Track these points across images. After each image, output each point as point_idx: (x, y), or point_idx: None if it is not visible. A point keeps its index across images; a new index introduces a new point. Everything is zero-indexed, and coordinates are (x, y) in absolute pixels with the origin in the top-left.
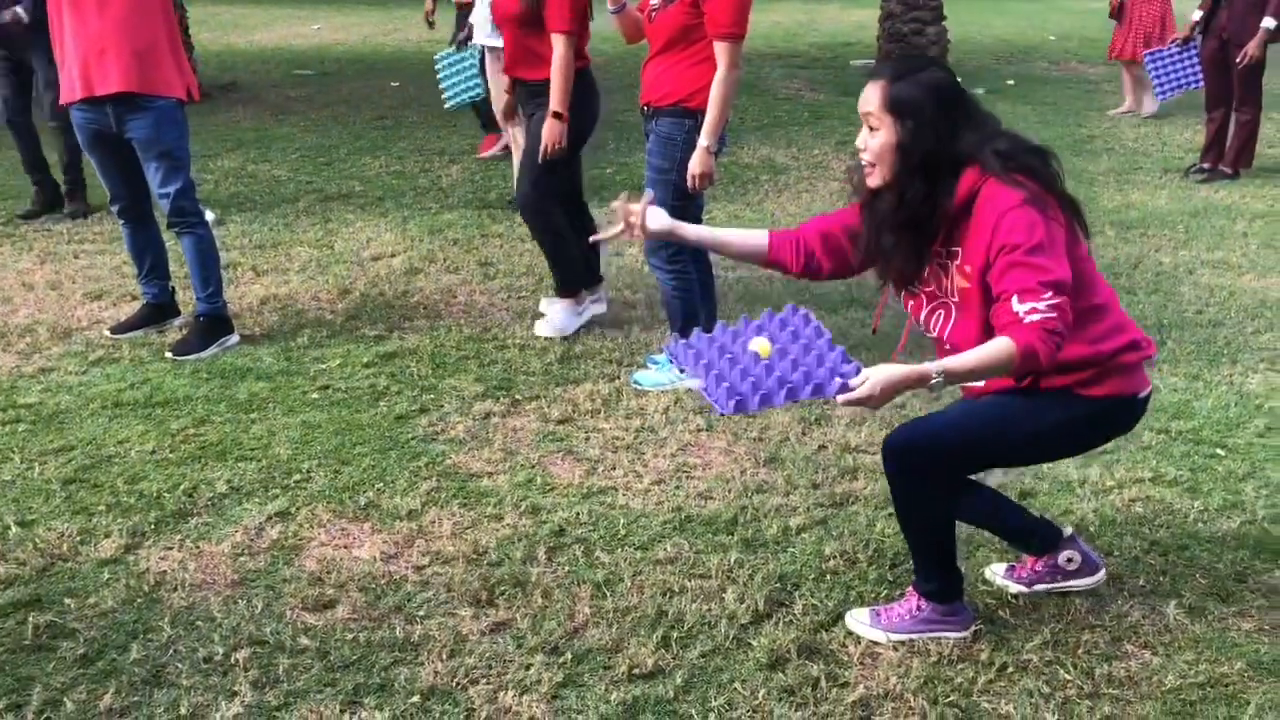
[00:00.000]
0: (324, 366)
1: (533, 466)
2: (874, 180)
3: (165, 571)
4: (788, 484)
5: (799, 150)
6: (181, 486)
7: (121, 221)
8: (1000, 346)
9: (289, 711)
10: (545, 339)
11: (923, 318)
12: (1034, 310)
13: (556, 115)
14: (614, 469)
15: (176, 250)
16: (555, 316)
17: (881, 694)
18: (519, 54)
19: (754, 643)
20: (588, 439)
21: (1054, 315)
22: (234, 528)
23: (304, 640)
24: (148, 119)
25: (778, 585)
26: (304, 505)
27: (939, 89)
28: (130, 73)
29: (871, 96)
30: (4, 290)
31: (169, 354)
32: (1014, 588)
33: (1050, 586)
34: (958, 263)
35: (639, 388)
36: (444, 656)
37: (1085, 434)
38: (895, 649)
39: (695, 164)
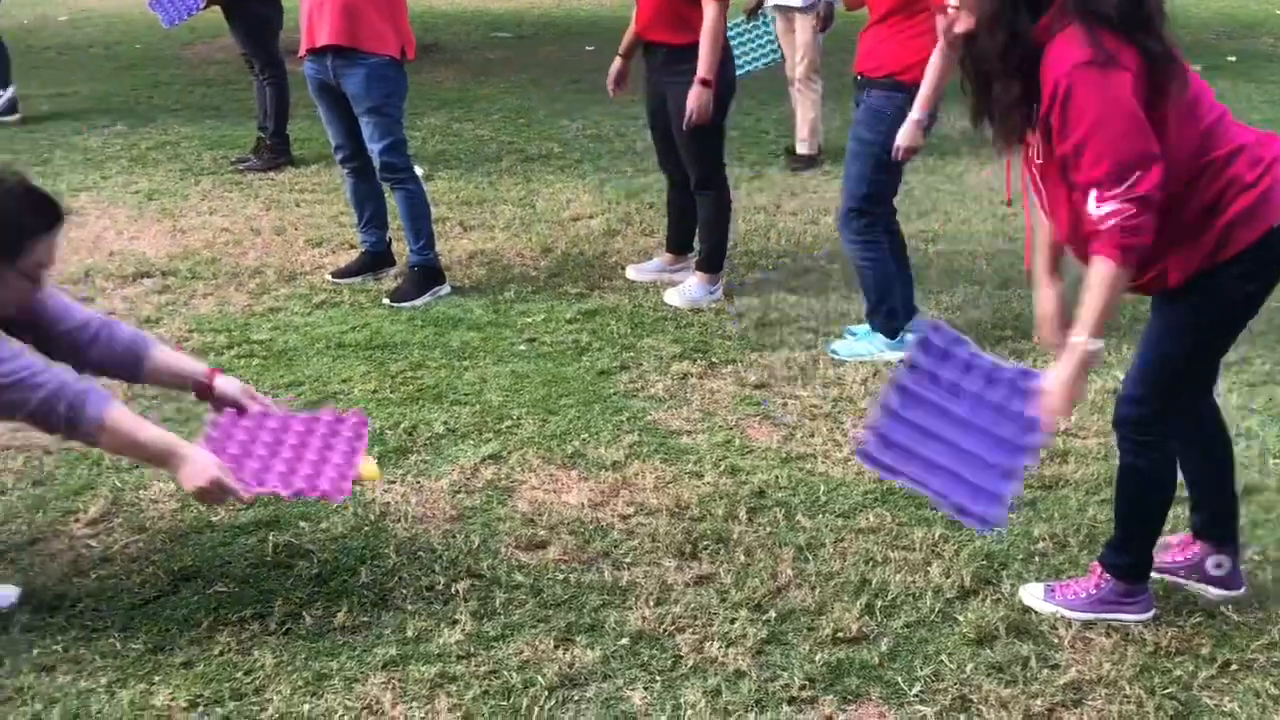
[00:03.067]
0: (530, 320)
1: (730, 428)
2: (961, 25)
3: (389, 503)
4: None
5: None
6: (402, 425)
7: (344, 171)
8: (1103, 275)
9: (506, 643)
10: (676, 308)
11: (1035, 185)
12: (1111, 214)
13: (705, 83)
14: (812, 436)
15: (394, 202)
16: (690, 288)
17: (1095, 679)
18: (665, 16)
19: (960, 618)
20: (785, 405)
21: (1131, 208)
22: (451, 466)
23: (518, 576)
24: (359, 74)
25: (984, 563)
26: (515, 450)
27: None
28: (342, 27)
29: None
30: (234, 234)
31: (386, 300)
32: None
33: (1179, 578)
34: (1037, 118)
35: (836, 357)
36: (651, 603)
37: (1254, 294)
38: (1108, 635)
39: (903, 136)
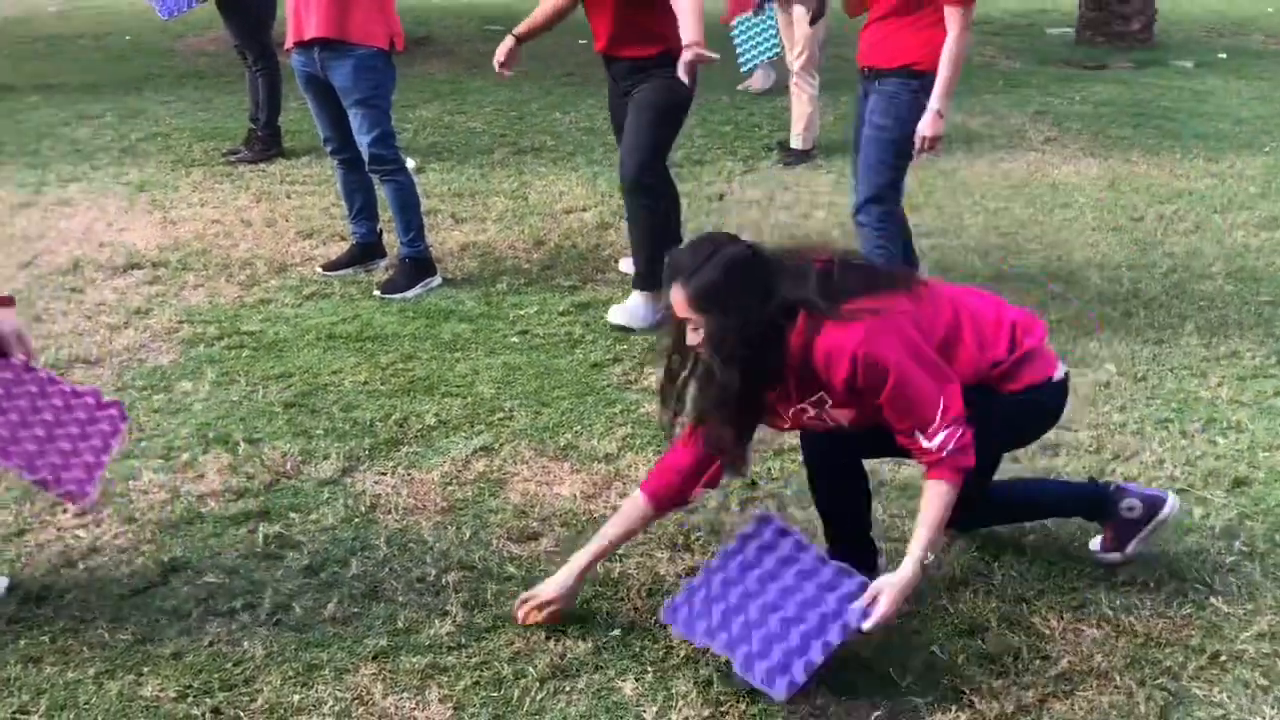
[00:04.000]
0: (522, 313)
1: None
2: (692, 339)
3: (380, 495)
4: None
5: (994, 118)
6: (393, 416)
7: (334, 163)
8: (944, 496)
9: (496, 634)
10: (621, 326)
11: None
12: (944, 441)
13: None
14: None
15: (384, 194)
16: (633, 304)
17: (1086, 670)
18: (624, 31)
19: (951, 609)
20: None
21: (958, 431)
22: (442, 458)
23: (510, 568)
24: (347, 66)
25: (975, 555)
26: (507, 442)
27: (732, 264)
28: (330, 19)
29: (678, 300)
30: (225, 226)
31: (377, 292)
32: (1113, 557)
33: (1138, 540)
34: (829, 406)
35: None
36: (643, 595)
37: (1022, 424)
38: (1099, 625)
39: (926, 126)
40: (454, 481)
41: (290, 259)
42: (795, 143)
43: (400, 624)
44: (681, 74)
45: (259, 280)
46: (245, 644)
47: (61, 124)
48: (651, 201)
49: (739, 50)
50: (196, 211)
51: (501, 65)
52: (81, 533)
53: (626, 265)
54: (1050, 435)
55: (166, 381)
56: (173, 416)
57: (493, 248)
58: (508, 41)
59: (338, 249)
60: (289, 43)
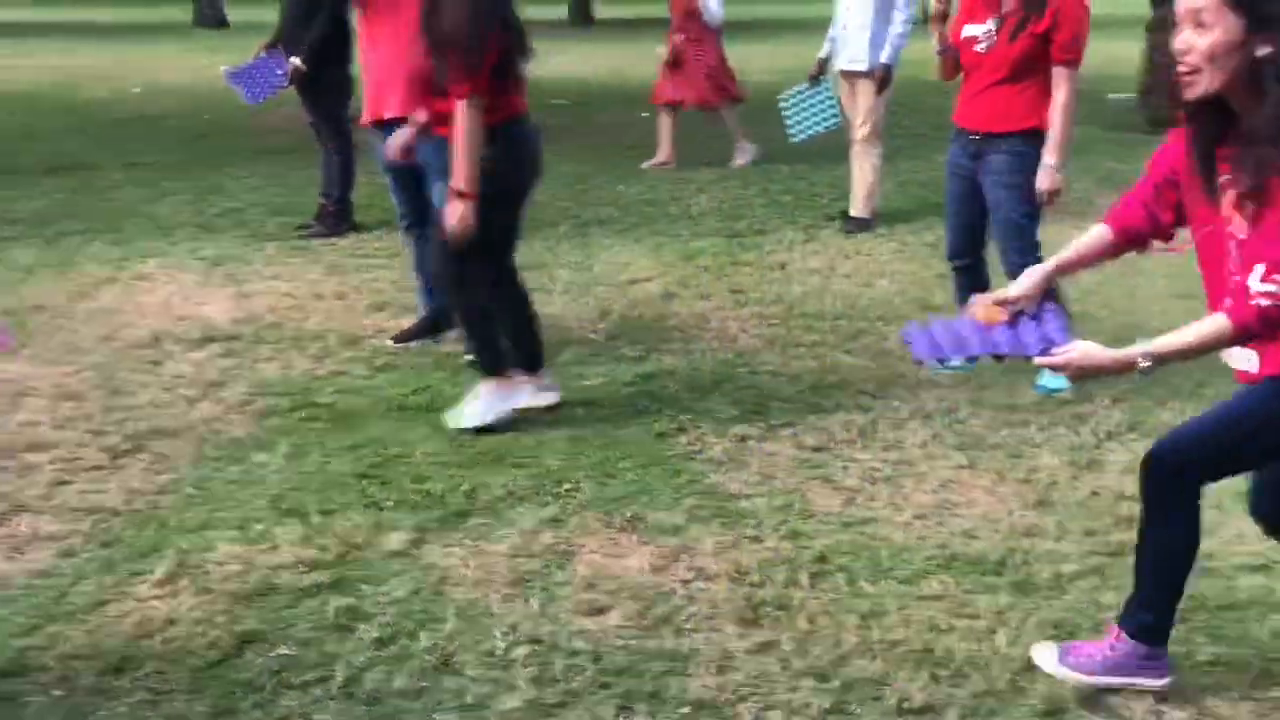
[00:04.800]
0: (588, 383)
1: (790, 492)
2: (1195, 90)
3: (449, 567)
4: (1059, 529)
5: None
6: (462, 488)
7: (408, 238)
8: (1216, 325)
9: (566, 710)
10: (472, 426)
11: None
12: (1265, 294)
13: (461, 194)
14: (873, 500)
15: None
16: (478, 399)
17: None
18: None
19: (1029, 689)
20: (845, 468)
21: None
22: (510, 530)
23: (578, 643)
24: (430, 144)
25: (1053, 632)
26: (574, 513)
27: None
28: (410, 98)
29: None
30: (298, 299)
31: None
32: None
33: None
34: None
35: (1044, 391)
36: (712, 671)
37: None
38: (1181, 707)
39: (1044, 181)
40: (522, 554)
41: (361, 331)
42: (856, 211)
43: (469, 699)
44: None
45: (331, 352)
46: (318, 717)
47: (144, 201)
48: (464, 303)
49: (790, 121)
50: (270, 285)
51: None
52: (159, 604)
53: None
54: (1124, 508)
55: (242, 453)
56: (248, 488)
57: (560, 319)
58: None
59: (408, 321)
60: (367, 119)
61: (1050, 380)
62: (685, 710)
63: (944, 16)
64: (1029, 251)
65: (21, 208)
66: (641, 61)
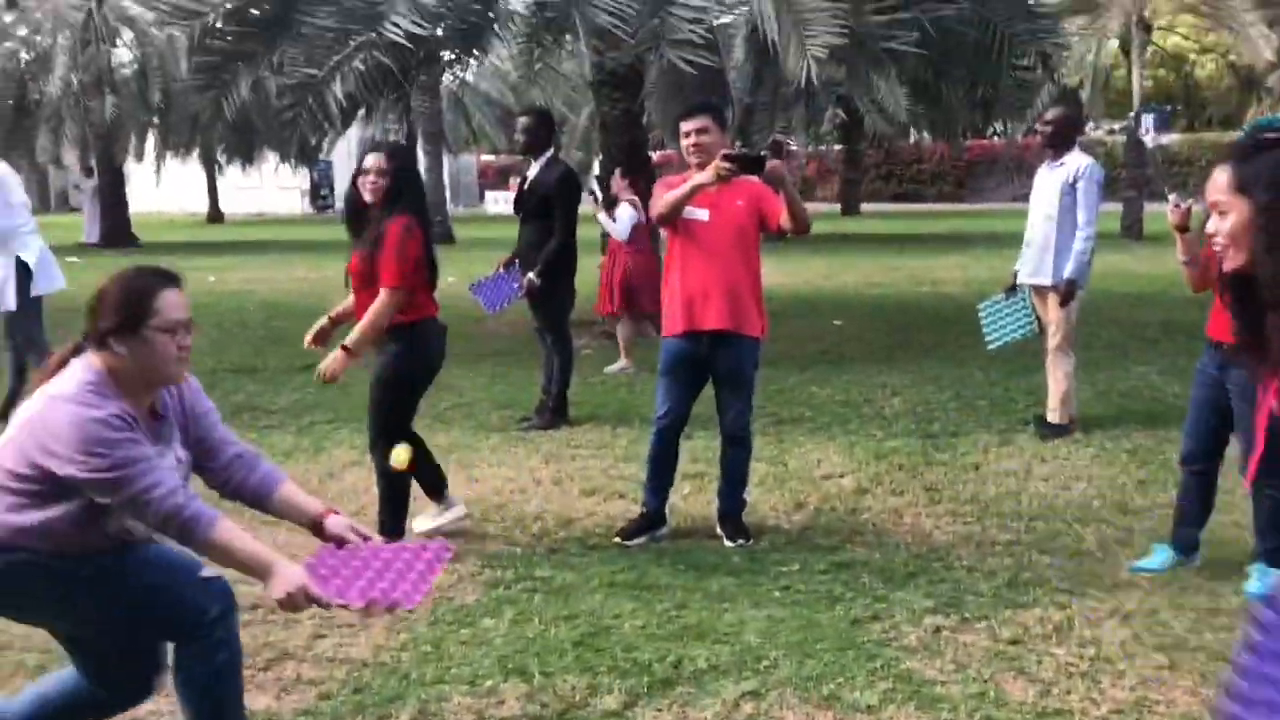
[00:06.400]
0: (784, 569)
1: (985, 681)
2: (1230, 263)
3: None
4: None
5: None
6: (668, 658)
7: (659, 437)
8: None
9: None
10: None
11: None
12: None
13: (349, 352)
14: (1069, 693)
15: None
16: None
17: None
18: (368, 303)
19: None
20: (1040, 662)
21: None
22: (713, 699)
23: None
24: (733, 352)
25: None
26: (773, 688)
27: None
28: (726, 313)
29: (1219, 180)
30: (519, 484)
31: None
32: None
33: None
34: None
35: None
36: None
37: None
38: None
39: None
40: None
41: (575, 514)
42: (1053, 417)
43: None
44: (325, 364)
45: (549, 532)
46: None
47: None
48: (379, 462)
49: (987, 329)
50: (495, 471)
51: (311, 343)
52: None
53: (420, 523)
54: None
55: (472, 618)
56: (477, 648)
57: (755, 509)
58: (322, 321)
59: (617, 505)
60: (674, 330)
61: (1257, 584)
62: None
63: (1183, 228)
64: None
65: (277, 401)
66: (829, 274)
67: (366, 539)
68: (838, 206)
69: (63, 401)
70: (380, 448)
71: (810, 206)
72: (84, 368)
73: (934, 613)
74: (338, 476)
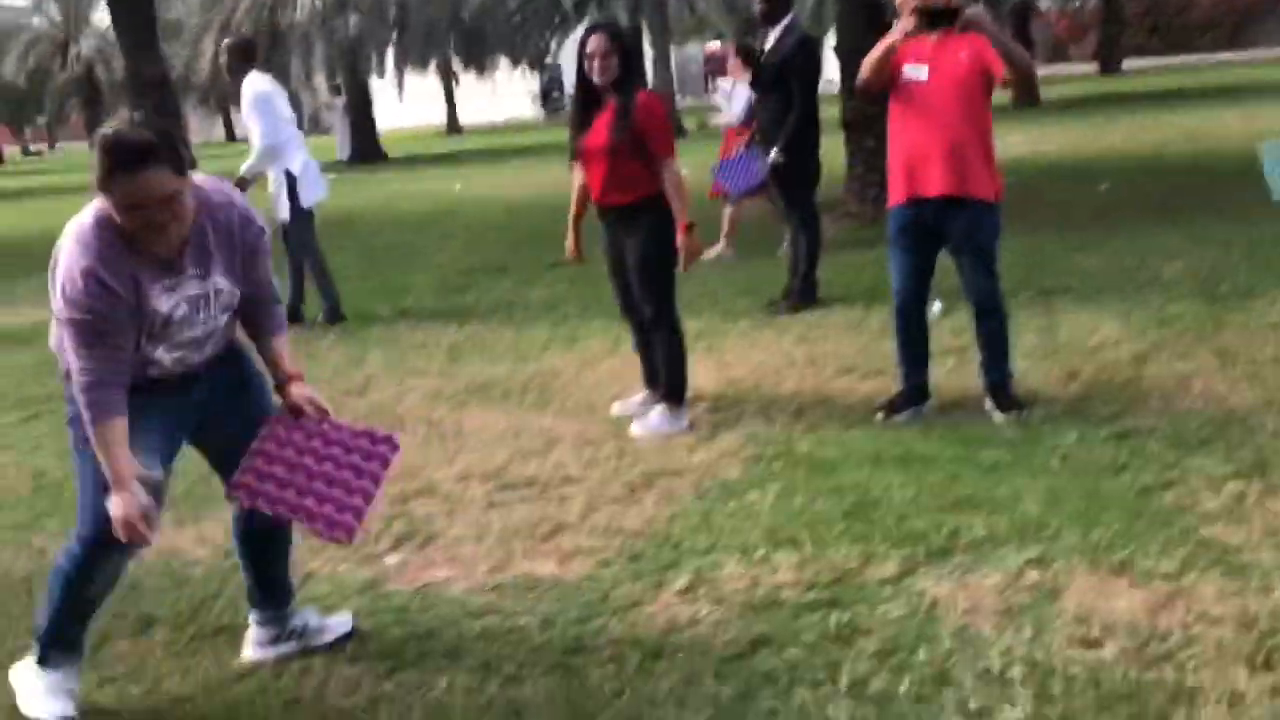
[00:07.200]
0: (1060, 441)
1: None
2: None
3: (938, 596)
4: None
5: None
6: (943, 529)
7: (901, 314)
8: None
9: None
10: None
11: None
12: None
13: (691, 226)
14: None
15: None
16: (653, 419)
17: None
18: (614, 181)
19: None
20: None
21: None
22: (994, 568)
23: (1074, 669)
24: (964, 217)
25: None
26: (1058, 557)
27: None
28: (951, 178)
29: None
30: (772, 365)
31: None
32: None
33: None
34: None
35: None
36: (1223, 704)
37: None
38: None
39: None
40: (1008, 588)
41: (833, 392)
42: None
43: (972, 706)
44: (685, 248)
45: (806, 410)
46: (831, 711)
47: None
48: (668, 332)
49: (1270, 175)
50: (747, 355)
51: (575, 253)
52: (682, 608)
53: (618, 408)
54: None
55: (737, 492)
56: (745, 520)
57: (1024, 382)
58: (571, 230)
59: (875, 383)
60: (898, 199)
61: None
62: None
63: None
64: None
65: (530, 296)
66: (1090, 138)
67: (324, 414)
68: (1094, 66)
69: (73, 230)
70: (667, 318)
71: (1064, 68)
72: (100, 204)
73: (1235, 479)
74: (593, 365)
